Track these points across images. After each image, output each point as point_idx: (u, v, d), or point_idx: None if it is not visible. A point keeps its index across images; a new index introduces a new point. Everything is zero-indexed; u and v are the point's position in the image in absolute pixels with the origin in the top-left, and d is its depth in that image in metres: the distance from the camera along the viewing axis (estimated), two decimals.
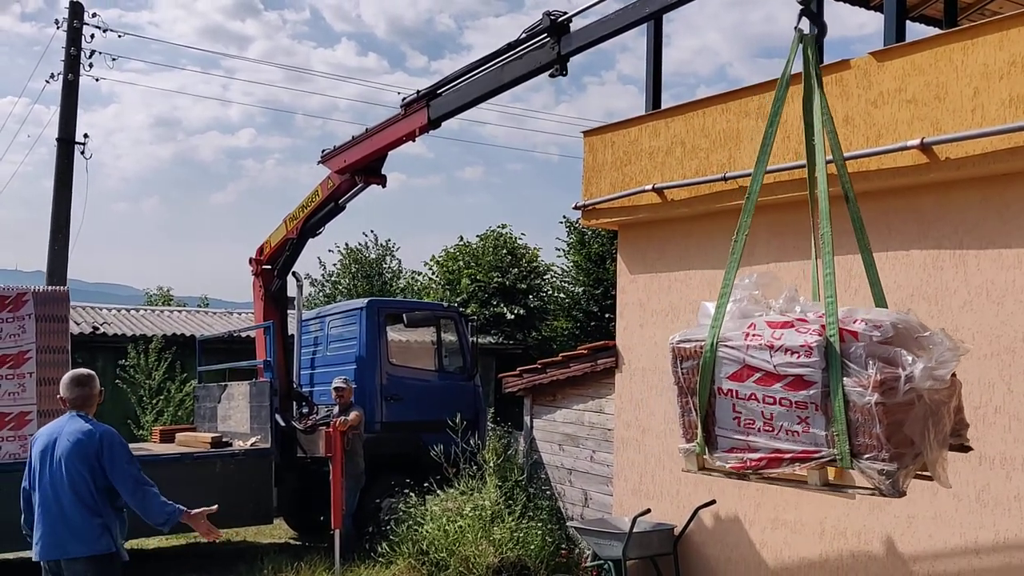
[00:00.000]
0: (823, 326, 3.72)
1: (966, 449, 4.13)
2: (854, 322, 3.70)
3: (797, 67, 4.33)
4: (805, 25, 4.29)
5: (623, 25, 6.90)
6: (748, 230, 4.15)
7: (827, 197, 3.95)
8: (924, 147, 6.08)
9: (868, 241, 4.13)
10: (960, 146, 5.93)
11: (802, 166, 6.56)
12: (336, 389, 10.37)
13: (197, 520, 5.30)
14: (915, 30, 10.44)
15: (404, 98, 9.31)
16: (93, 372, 5.41)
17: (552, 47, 7.36)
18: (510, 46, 7.80)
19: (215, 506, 5.45)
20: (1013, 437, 5.86)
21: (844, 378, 3.61)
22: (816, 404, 3.69)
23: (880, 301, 4.12)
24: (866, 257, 4.11)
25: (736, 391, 3.90)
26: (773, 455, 3.83)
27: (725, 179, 7.36)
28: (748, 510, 7.56)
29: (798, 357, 3.71)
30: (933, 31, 9.52)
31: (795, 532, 7.21)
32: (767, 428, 3.83)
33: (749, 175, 7.10)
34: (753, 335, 3.89)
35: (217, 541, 5.34)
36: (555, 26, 7.30)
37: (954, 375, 3.84)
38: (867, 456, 3.59)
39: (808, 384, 3.70)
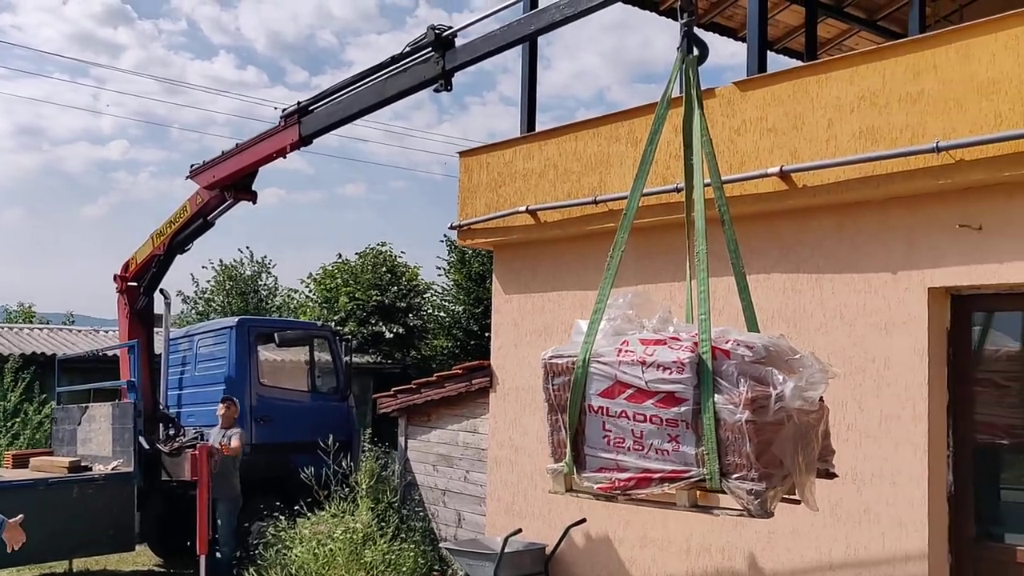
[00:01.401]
0: (696, 343, 3.71)
1: (832, 476, 4.18)
2: (726, 342, 3.71)
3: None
4: (687, 47, 4.36)
5: (508, 42, 6.91)
6: (624, 246, 4.14)
7: (704, 215, 3.97)
8: (783, 174, 6.33)
9: (743, 265, 4.18)
10: (816, 174, 6.20)
11: (669, 191, 6.78)
12: (224, 404, 10.08)
13: (13, 529, 5.05)
14: (782, 63, 10.89)
15: (284, 110, 9.12)
16: None
17: (437, 62, 7.30)
18: (394, 59, 7.71)
19: (21, 515, 5.28)
20: (863, 454, 6.12)
21: (716, 395, 3.60)
22: (687, 422, 3.66)
23: (752, 325, 4.17)
24: (740, 281, 4.16)
25: (607, 408, 3.85)
26: (642, 475, 3.79)
27: (596, 202, 7.49)
28: (617, 528, 7.67)
29: (670, 373, 3.69)
30: (797, 63, 9.94)
31: (662, 549, 7.35)
32: (637, 447, 3.79)
33: (619, 199, 7.31)
34: (626, 351, 3.85)
35: (17, 548, 5.11)
36: (440, 41, 7.25)
37: (822, 400, 3.89)
38: (736, 476, 3.58)
39: (679, 401, 3.67)
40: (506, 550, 7.62)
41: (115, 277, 11.45)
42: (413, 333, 22.79)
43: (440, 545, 9.11)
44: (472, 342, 22.28)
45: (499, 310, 8.89)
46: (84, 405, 11.48)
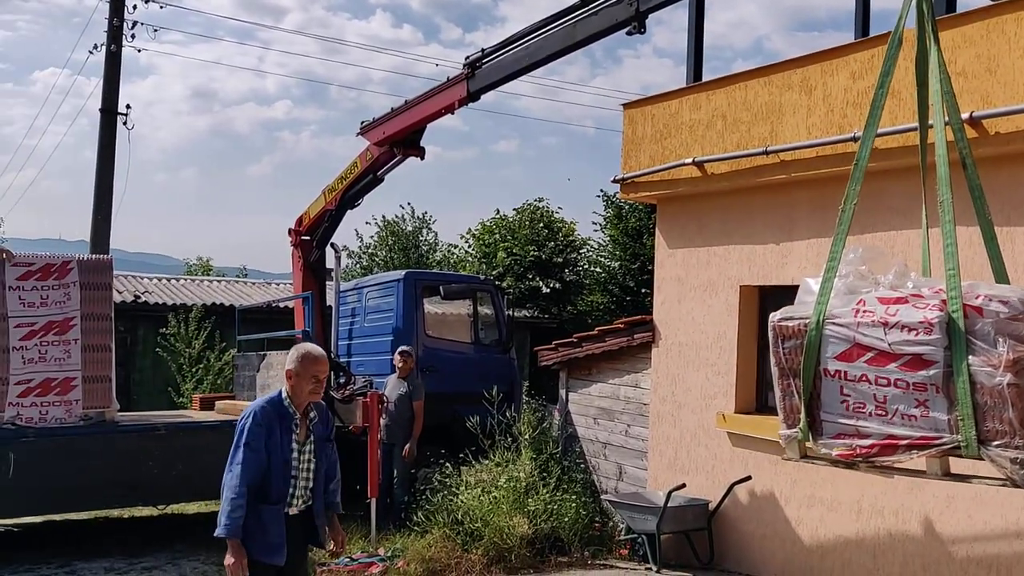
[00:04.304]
0: (943, 301, 3.47)
1: None
2: (976, 297, 3.45)
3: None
4: None
5: None
6: (857, 198, 3.94)
7: (946, 161, 3.69)
8: (973, 121, 5.95)
9: (989, 211, 3.86)
10: (1011, 120, 5.81)
11: (847, 140, 6.50)
12: (401, 354, 10.43)
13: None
14: (970, 3, 10.19)
15: (467, 57, 9.05)
16: (298, 350, 4.85)
17: (631, 3, 7.06)
18: (584, 2, 7.60)
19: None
20: None
21: (970, 357, 3.36)
22: (937, 386, 3.43)
23: (1001, 277, 3.85)
24: (986, 229, 3.83)
25: (845, 372, 3.66)
26: (886, 441, 3.58)
27: (767, 153, 7.27)
28: (784, 487, 7.53)
29: (916, 334, 3.46)
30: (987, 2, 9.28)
31: (832, 510, 7.17)
32: (880, 412, 3.59)
33: (792, 148, 7.08)
34: (864, 311, 3.65)
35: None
36: None
37: None
38: (997, 443, 3.32)
39: (928, 364, 3.44)
40: (669, 504, 7.62)
41: (289, 231, 11.99)
42: (569, 288, 22.89)
43: (602, 497, 9.19)
44: (628, 298, 22.18)
45: (662, 265, 8.80)
46: (262, 353, 12.11)
